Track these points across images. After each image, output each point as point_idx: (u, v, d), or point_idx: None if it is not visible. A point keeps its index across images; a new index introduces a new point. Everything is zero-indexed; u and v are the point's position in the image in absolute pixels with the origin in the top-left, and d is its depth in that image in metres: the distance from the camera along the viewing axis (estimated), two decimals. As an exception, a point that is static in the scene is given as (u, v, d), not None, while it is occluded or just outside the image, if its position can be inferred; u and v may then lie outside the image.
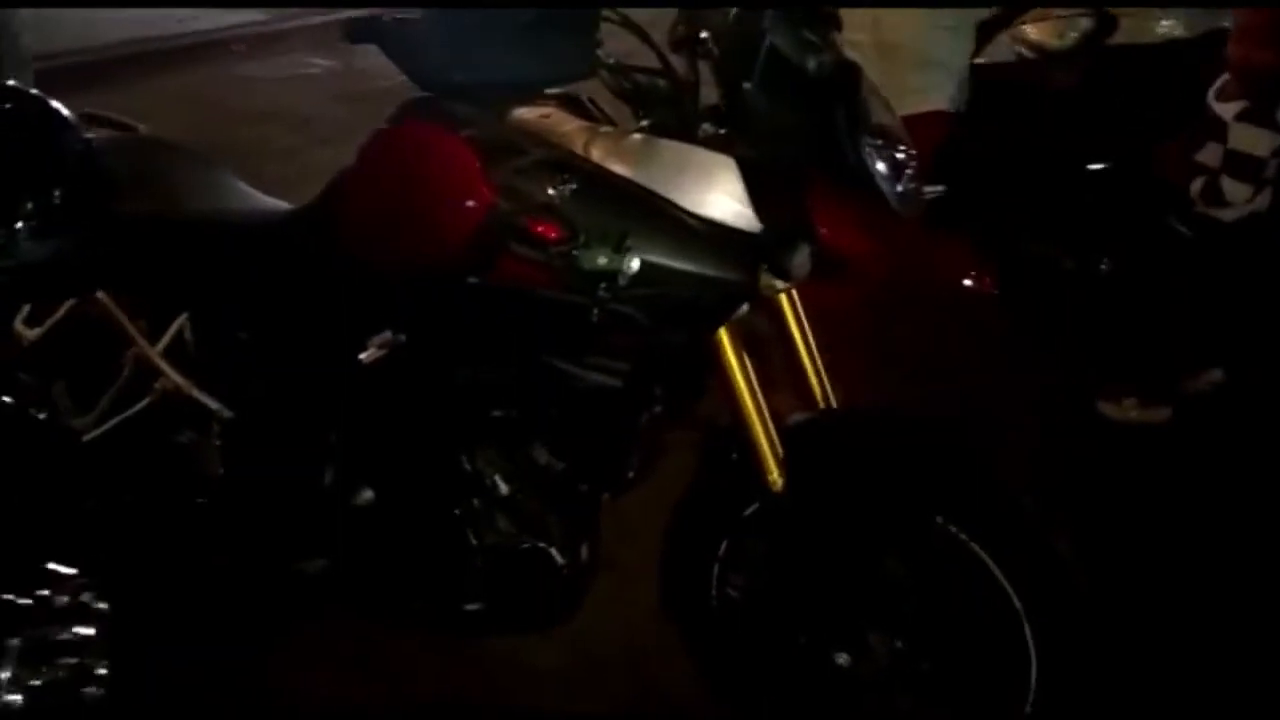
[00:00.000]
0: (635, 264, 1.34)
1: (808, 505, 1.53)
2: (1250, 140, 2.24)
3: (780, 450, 1.54)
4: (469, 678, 1.96)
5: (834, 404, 1.67)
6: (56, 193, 1.08)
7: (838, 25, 1.53)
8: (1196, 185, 2.34)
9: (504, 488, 1.64)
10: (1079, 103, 2.43)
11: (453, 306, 1.51)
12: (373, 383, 1.61)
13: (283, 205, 1.82)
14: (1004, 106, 2.48)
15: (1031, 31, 2.55)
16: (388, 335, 1.57)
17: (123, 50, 6.07)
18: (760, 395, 1.54)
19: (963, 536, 1.48)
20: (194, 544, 1.69)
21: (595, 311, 1.34)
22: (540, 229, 1.39)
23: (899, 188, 1.49)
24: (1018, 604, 1.45)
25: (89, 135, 1.18)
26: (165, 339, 1.70)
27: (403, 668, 1.94)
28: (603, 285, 1.33)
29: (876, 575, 1.53)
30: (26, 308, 1.70)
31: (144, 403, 1.69)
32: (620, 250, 1.33)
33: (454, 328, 1.53)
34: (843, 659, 1.57)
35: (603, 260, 1.32)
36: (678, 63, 1.54)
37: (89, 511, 1.66)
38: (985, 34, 2.55)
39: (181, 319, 1.71)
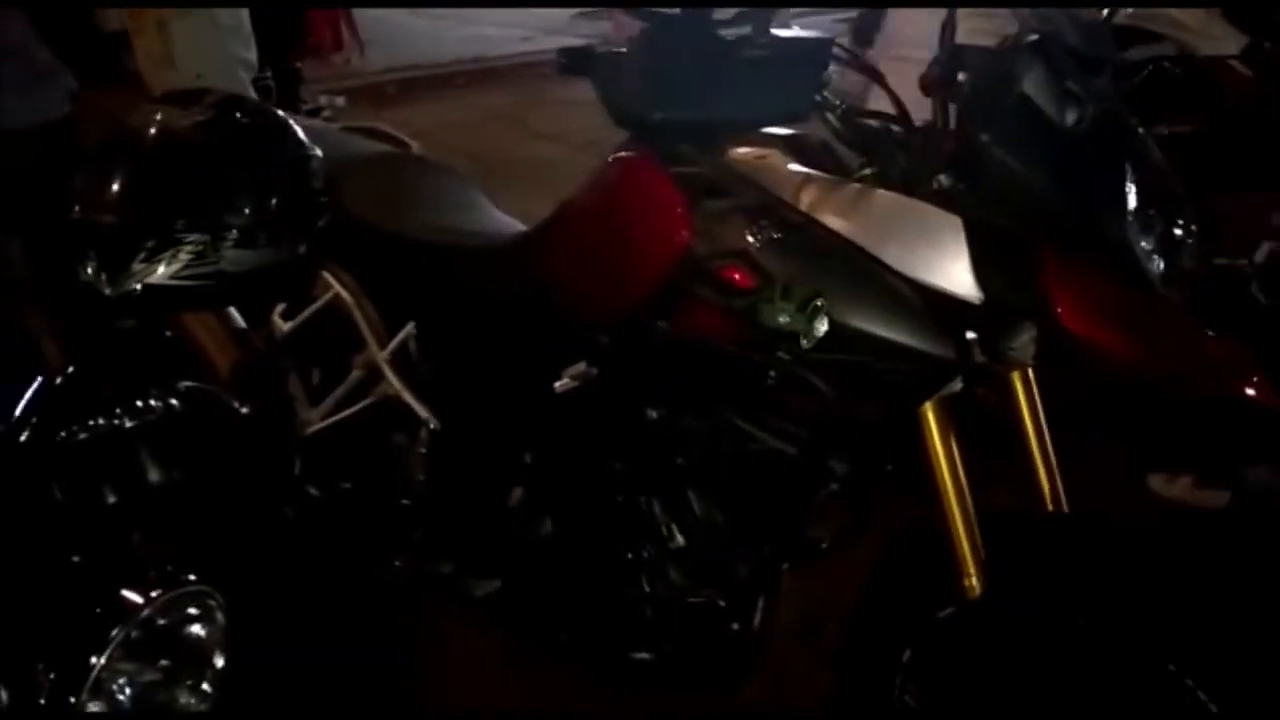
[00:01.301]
0: (823, 326, 1.22)
1: (1005, 618, 1.33)
2: None
3: (981, 551, 1.35)
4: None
5: (1064, 506, 1.44)
6: (273, 202, 1.14)
7: (1110, 70, 1.32)
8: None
9: (681, 538, 1.58)
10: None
11: (642, 346, 1.46)
12: (563, 413, 1.60)
13: (518, 227, 1.86)
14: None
15: None
16: (582, 367, 1.56)
17: (458, 67, 6.65)
18: (966, 484, 1.36)
19: (1195, 688, 1.22)
20: (385, 544, 1.76)
21: (772, 374, 1.23)
22: (732, 276, 1.31)
23: (1165, 267, 1.25)
24: None
25: (315, 150, 1.24)
26: (391, 346, 1.79)
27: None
28: (784, 345, 1.22)
29: (1077, 708, 1.29)
30: (284, 303, 1.87)
31: (364, 403, 1.79)
32: (806, 310, 1.21)
33: (641, 369, 1.49)
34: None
35: (785, 319, 1.21)
36: (928, 107, 1.40)
37: (303, 501, 1.78)
38: None
39: (409, 329, 1.79)
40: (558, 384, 1.57)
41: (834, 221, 1.32)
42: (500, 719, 1.87)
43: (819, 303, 1.22)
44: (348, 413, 1.80)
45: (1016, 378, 1.41)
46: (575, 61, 1.30)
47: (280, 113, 1.29)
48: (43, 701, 0.81)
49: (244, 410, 1.20)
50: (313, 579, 1.57)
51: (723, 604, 1.59)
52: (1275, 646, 1.22)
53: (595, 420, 1.58)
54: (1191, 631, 1.26)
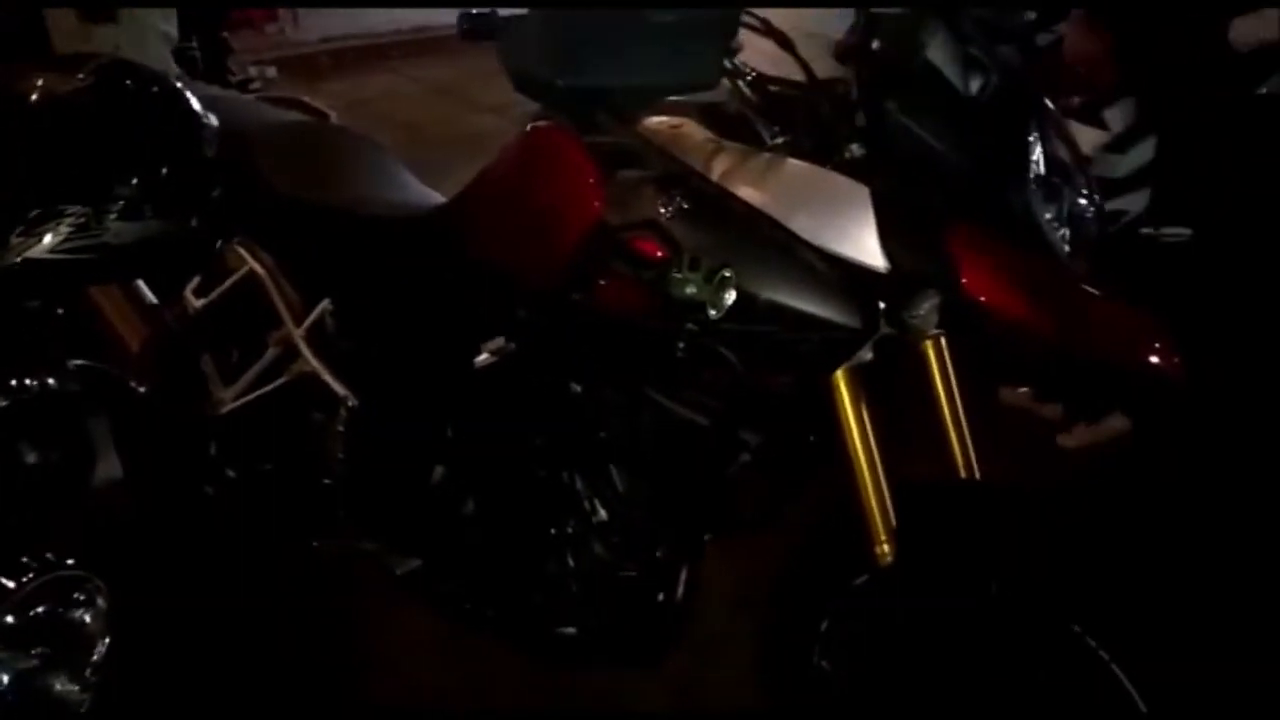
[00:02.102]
0: (730, 297, 1.21)
1: (915, 584, 1.34)
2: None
3: (893, 518, 1.36)
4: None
5: (977, 473, 1.46)
6: (160, 172, 1.09)
7: (1019, 41, 1.32)
8: None
9: (603, 512, 1.57)
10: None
11: (560, 320, 1.44)
12: (483, 388, 1.58)
13: (437, 199, 1.83)
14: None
15: None
16: (500, 342, 1.54)
17: (396, 38, 6.52)
18: (877, 453, 1.37)
19: (1097, 648, 1.25)
20: (305, 524, 1.73)
21: (681, 345, 1.23)
22: (643, 247, 1.30)
23: (1069, 235, 1.26)
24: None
25: (210, 119, 1.19)
26: (307, 322, 1.75)
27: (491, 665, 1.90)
28: (693, 317, 1.22)
29: (989, 676, 1.32)
30: (197, 278, 1.82)
31: (280, 381, 1.75)
32: (713, 281, 1.20)
33: (560, 342, 1.47)
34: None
35: (692, 290, 1.21)
36: (843, 74, 1.39)
37: (220, 481, 1.74)
38: None
39: (325, 304, 1.75)
40: (477, 359, 1.55)
41: (745, 191, 1.31)
42: (441, 698, 1.86)
43: (726, 274, 1.21)
44: (263, 391, 1.76)
45: (929, 346, 1.41)
46: (478, 27, 1.27)
47: (173, 79, 1.24)
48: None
49: (142, 390, 1.16)
50: (232, 557, 1.55)
51: (646, 577, 1.59)
52: (1168, 603, 1.25)
53: (515, 395, 1.56)
54: (1092, 592, 1.29)
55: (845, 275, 1.26)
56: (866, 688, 1.46)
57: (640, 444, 1.49)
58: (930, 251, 1.24)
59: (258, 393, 1.76)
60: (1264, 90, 2.85)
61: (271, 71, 4.50)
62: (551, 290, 1.42)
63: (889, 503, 1.37)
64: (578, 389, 1.51)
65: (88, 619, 0.85)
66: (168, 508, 1.41)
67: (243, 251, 1.79)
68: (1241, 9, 2.34)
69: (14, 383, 0.98)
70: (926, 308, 1.25)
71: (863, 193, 1.27)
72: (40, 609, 0.83)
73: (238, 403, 1.76)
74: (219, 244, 1.58)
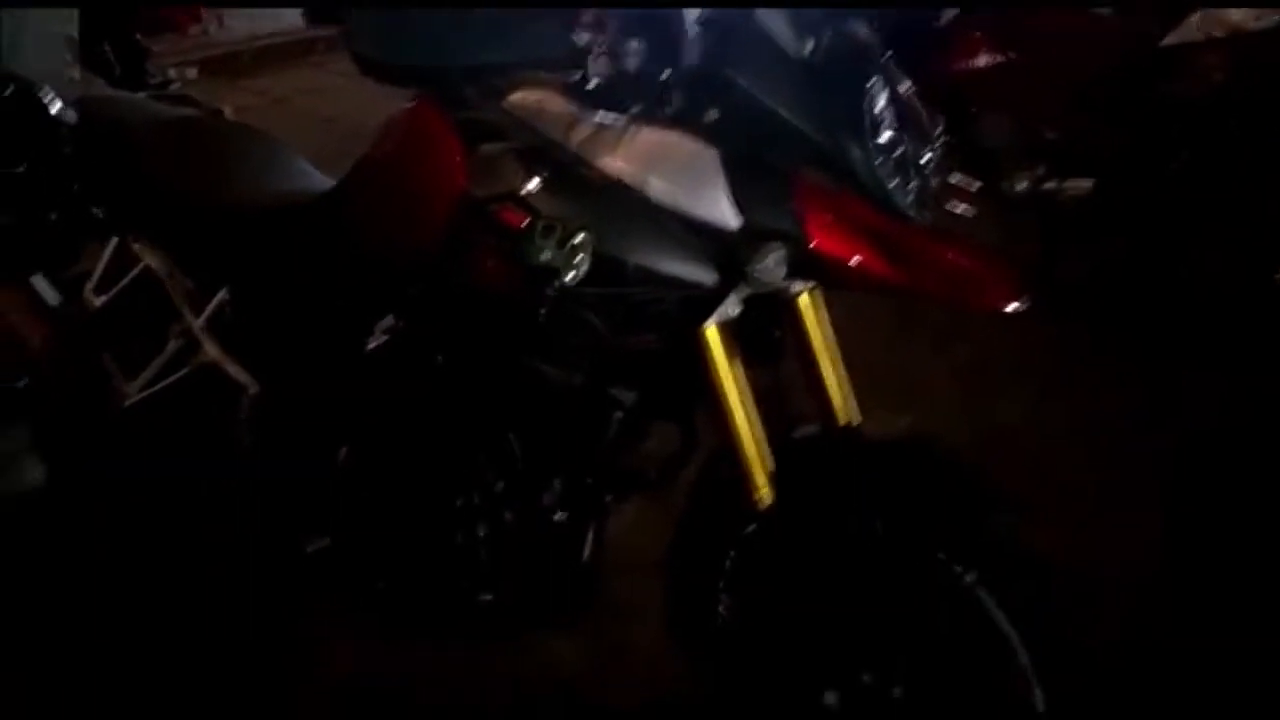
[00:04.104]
0: (583, 261, 1.26)
1: (794, 528, 1.41)
2: None
3: (771, 465, 1.42)
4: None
5: (855, 420, 1.53)
6: (14, 170, 1.12)
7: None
8: None
9: (503, 481, 1.62)
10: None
11: (437, 294, 1.49)
12: (377, 368, 1.62)
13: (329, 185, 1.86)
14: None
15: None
16: (391, 321, 1.58)
17: (323, 33, 6.46)
18: (751, 403, 1.43)
19: (963, 574, 1.32)
20: (214, 510, 1.77)
21: (542, 311, 1.27)
22: (506, 218, 1.34)
23: (912, 189, 1.33)
24: (1013, 639, 1.29)
25: (67, 116, 1.22)
26: (205, 314, 1.78)
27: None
28: (550, 283, 1.27)
29: (869, 609, 1.39)
30: (97, 274, 1.84)
31: (182, 372, 1.78)
32: (567, 246, 1.25)
33: (439, 317, 1.51)
34: (831, 699, 1.44)
35: (546, 255, 1.25)
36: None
37: (127, 473, 1.77)
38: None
39: (221, 295, 1.78)
40: (370, 340, 1.59)
41: (603, 160, 1.35)
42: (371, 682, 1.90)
43: (579, 239, 1.26)
44: (167, 382, 1.79)
45: (804, 299, 1.47)
46: (323, 5, 1.29)
47: (27, 78, 1.27)
48: None
49: (18, 386, 1.20)
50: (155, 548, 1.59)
51: (552, 540, 1.63)
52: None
53: (409, 372, 1.61)
54: (957, 525, 1.36)
55: (699, 235, 1.31)
56: (764, 630, 1.53)
57: (527, 411, 1.54)
58: (777, 207, 1.30)
59: (161, 384, 1.79)
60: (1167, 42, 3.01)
61: (192, 73, 4.46)
62: (429, 266, 1.47)
63: (765, 450, 1.43)
64: (462, 362, 1.55)
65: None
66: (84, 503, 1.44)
67: (137, 248, 1.81)
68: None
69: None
70: (770, 260, 1.30)
71: (713, 154, 1.32)
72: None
73: (141, 395, 1.79)
74: (87, 237, 1.60)
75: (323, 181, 1.90)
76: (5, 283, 1.65)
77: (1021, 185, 3.13)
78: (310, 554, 1.69)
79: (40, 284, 1.82)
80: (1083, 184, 3.08)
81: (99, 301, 1.83)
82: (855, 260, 1.29)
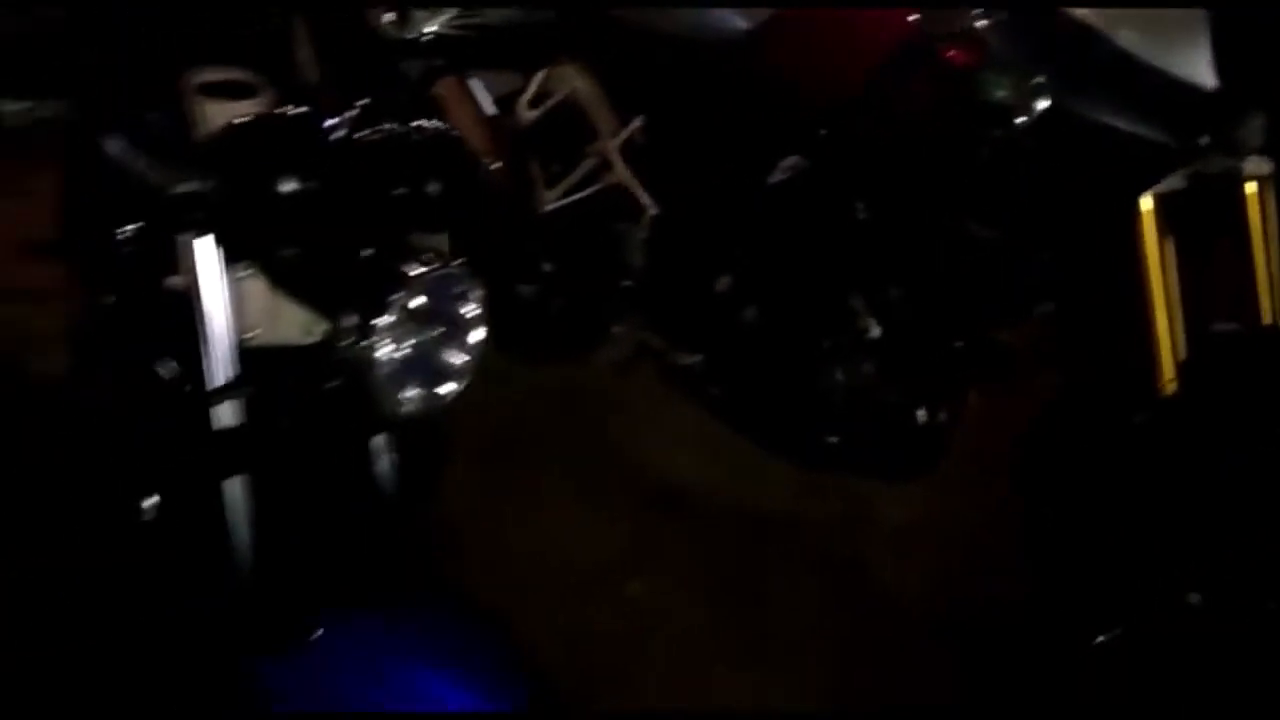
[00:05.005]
0: (1041, 104, 1.23)
1: (1199, 422, 1.34)
2: None
3: (1182, 355, 1.35)
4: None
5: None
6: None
7: None
8: None
9: (876, 331, 1.65)
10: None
11: (854, 133, 1.51)
12: (775, 204, 1.68)
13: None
14: None
15: None
16: (796, 160, 1.63)
17: None
18: (1175, 289, 1.36)
19: None
20: (598, 316, 1.94)
21: (984, 150, 1.26)
22: (954, 57, 1.33)
23: None
24: None
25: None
26: (621, 137, 1.92)
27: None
28: (999, 122, 1.25)
29: (1261, 514, 1.30)
30: (530, 92, 2.03)
31: (594, 188, 1.94)
32: (1025, 87, 1.22)
33: (851, 159, 1.54)
34: (1195, 599, 1.38)
35: (1003, 93, 1.23)
36: None
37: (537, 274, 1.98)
38: None
39: (637, 121, 1.91)
40: (771, 176, 1.65)
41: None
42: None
43: (1040, 80, 1.23)
44: (579, 196, 1.96)
45: (1251, 186, 1.36)
46: None
47: None
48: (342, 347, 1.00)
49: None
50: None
51: (908, 398, 1.66)
52: None
53: (803, 212, 1.66)
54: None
55: (1168, 93, 1.24)
56: (1128, 523, 1.48)
57: (925, 262, 1.55)
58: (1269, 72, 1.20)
59: (574, 197, 1.96)
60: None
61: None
62: (849, 106, 1.49)
63: (1182, 339, 1.36)
64: (864, 208, 1.58)
65: (468, 311, 1.04)
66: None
67: (570, 69, 1.97)
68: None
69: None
70: (1253, 126, 1.21)
71: (1199, 14, 1.23)
72: (435, 296, 1.03)
73: (556, 204, 1.98)
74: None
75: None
76: (459, 83, 1.85)
77: None
78: (683, 368, 1.83)
79: (480, 91, 2.03)
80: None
81: (530, 116, 2.02)
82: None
